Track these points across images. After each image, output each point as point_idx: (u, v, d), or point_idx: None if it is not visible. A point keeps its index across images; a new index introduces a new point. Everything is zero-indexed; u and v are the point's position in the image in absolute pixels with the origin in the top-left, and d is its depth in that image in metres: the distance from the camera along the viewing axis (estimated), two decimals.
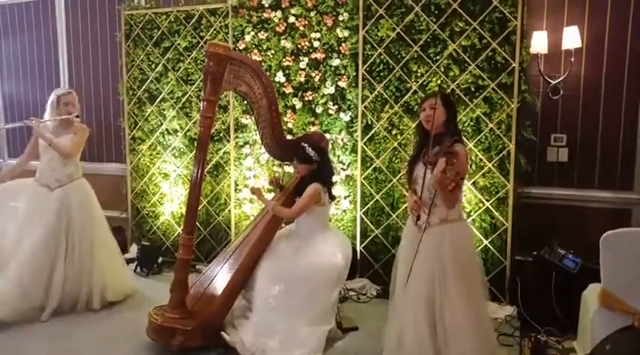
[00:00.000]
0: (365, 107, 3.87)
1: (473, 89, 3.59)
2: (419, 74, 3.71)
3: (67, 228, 3.48)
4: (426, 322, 2.36)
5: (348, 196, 4.05)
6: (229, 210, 4.42)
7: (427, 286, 2.37)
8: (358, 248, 3.95)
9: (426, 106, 2.50)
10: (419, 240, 2.39)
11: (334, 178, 3.71)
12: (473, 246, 2.61)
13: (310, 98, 4.07)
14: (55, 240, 3.43)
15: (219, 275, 3.17)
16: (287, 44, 4.09)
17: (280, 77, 4.12)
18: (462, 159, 2.34)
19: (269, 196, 3.65)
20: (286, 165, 4.12)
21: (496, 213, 3.60)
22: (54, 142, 3.47)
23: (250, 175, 4.33)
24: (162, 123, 4.61)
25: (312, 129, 4.06)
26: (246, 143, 4.33)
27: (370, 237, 3.95)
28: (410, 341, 2.38)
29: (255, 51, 4.20)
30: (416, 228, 2.49)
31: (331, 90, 4.00)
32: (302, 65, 4.06)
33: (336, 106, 4.01)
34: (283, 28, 4.09)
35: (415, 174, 2.54)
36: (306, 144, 3.22)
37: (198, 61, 4.40)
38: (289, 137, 3.94)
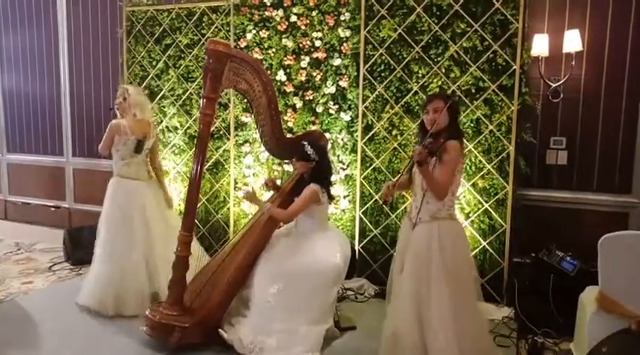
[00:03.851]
0: (365, 107, 3.87)
1: (473, 91, 3.60)
2: (420, 75, 3.72)
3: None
4: (415, 318, 2.39)
5: (348, 196, 4.05)
6: (228, 208, 4.42)
7: (415, 282, 2.42)
8: (357, 247, 3.95)
9: (430, 109, 2.47)
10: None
11: (333, 177, 3.71)
12: (464, 244, 2.60)
13: (311, 97, 4.08)
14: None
15: (218, 273, 3.16)
16: (288, 43, 4.09)
17: (281, 76, 4.12)
18: (453, 152, 2.39)
19: (266, 196, 3.63)
20: (286, 163, 4.13)
21: (495, 215, 3.60)
22: None
23: (249, 173, 4.33)
24: (162, 121, 4.61)
25: (312, 128, 4.06)
26: (246, 141, 4.34)
27: (369, 237, 3.95)
28: (402, 336, 2.42)
29: (257, 49, 4.20)
30: (410, 225, 2.54)
31: (332, 89, 4.00)
32: (303, 64, 4.07)
33: (336, 106, 4.02)
34: (285, 26, 4.10)
35: (413, 172, 2.58)
36: (306, 143, 3.20)
37: (199, 59, 4.40)
38: (289, 136, 3.94)
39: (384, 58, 3.79)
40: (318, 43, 4.01)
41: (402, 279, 2.49)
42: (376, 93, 3.83)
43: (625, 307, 2.40)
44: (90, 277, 3.49)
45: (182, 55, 4.48)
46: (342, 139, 4.02)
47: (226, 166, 4.42)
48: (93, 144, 5.08)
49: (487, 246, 3.63)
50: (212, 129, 4.07)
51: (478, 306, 2.63)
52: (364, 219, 3.96)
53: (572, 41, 3.53)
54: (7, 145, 6.06)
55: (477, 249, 3.63)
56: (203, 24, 4.38)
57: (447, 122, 2.47)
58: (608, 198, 3.68)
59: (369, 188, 3.92)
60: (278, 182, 3.64)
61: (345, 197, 4.05)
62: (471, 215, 3.66)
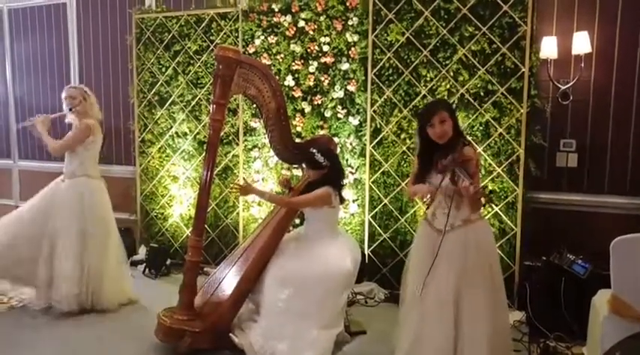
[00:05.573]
0: (374, 111, 3.88)
1: (482, 94, 3.59)
2: (428, 78, 3.72)
3: (54, 222, 3.62)
4: (452, 324, 2.34)
5: (357, 200, 4.05)
6: (237, 213, 4.44)
7: (453, 288, 2.35)
8: (366, 252, 3.95)
9: (436, 122, 2.38)
10: (439, 244, 2.37)
11: (344, 181, 3.70)
12: (495, 246, 2.61)
13: (319, 102, 4.09)
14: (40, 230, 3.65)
15: (228, 278, 3.18)
16: (296, 48, 4.11)
17: (289, 81, 4.14)
18: (475, 161, 2.38)
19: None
20: (295, 168, 4.14)
21: (505, 218, 3.59)
22: (42, 138, 3.76)
23: (259, 178, 4.34)
24: (171, 126, 4.64)
25: (321, 132, 4.07)
26: (255, 146, 4.35)
27: (378, 241, 3.95)
28: (431, 342, 2.36)
29: (265, 55, 4.22)
30: (434, 232, 2.46)
31: (340, 94, 4.01)
32: (311, 69, 4.08)
33: (345, 110, 4.02)
34: (293, 32, 4.12)
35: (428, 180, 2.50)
36: (314, 150, 3.17)
37: (208, 65, 4.43)
38: (298, 140, 3.95)
39: (392, 61, 3.80)
40: (326, 48, 4.02)
41: (436, 287, 2.39)
42: (384, 97, 3.84)
43: (638, 310, 2.38)
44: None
45: (191, 62, 4.51)
46: (351, 143, 4.03)
47: (235, 171, 4.44)
48: (104, 150, 5.10)
49: (497, 250, 3.60)
50: (221, 134, 4.10)
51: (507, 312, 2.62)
52: (373, 223, 3.96)
53: (581, 43, 3.52)
54: (18, 152, 6.12)
55: None
56: (212, 30, 4.41)
57: (452, 127, 2.42)
58: (620, 200, 3.65)
59: (378, 192, 3.92)
60: (292, 184, 3.65)
61: (354, 201, 4.05)
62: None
